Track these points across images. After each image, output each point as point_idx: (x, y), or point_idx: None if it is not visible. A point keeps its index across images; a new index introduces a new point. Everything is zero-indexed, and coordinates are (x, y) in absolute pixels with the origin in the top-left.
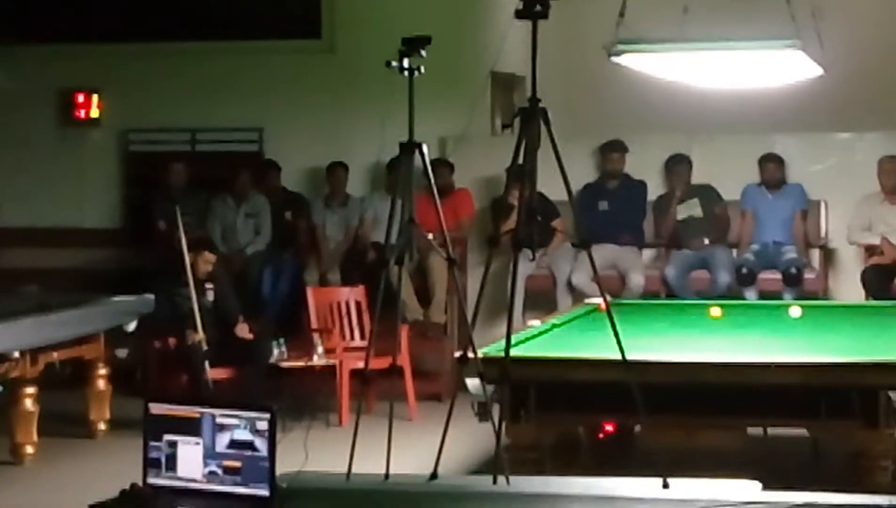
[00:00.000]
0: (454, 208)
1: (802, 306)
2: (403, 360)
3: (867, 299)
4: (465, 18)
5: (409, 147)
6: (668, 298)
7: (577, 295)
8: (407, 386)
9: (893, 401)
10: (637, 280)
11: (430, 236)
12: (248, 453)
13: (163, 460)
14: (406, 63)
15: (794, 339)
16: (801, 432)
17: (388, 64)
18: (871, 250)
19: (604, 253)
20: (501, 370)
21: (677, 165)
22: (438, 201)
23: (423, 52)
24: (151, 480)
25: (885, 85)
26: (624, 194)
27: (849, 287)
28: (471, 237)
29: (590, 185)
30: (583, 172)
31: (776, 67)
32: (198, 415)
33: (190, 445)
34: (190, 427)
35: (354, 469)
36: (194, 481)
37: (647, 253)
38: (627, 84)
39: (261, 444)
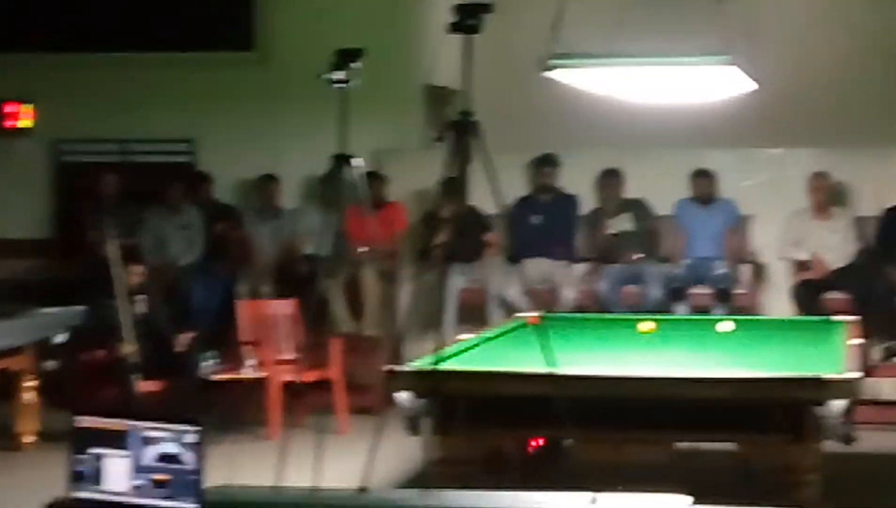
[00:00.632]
0: (387, 221)
1: (733, 321)
2: (335, 373)
3: (797, 314)
4: (400, 31)
5: (341, 160)
6: (600, 312)
7: (510, 309)
8: (338, 399)
9: (820, 416)
10: (569, 294)
11: (363, 249)
12: (176, 466)
13: (89, 473)
14: (338, 75)
15: (724, 354)
16: (731, 446)
17: (320, 76)
18: (800, 266)
19: (536, 267)
20: (431, 384)
21: (609, 180)
22: (371, 215)
23: (355, 65)
24: (77, 494)
25: (815, 101)
26: (556, 208)
27: (779, 302)
28: (404, 251)
29: (522, 199)
30: (515, 186)
31: (708, 83)
32: (125, 428)
33: (117, 458)
34: (117, 441)
35: (284, 483)
36: (121, 494)
37: (579, 267)
38: (560, 98)
39: (189, 458)
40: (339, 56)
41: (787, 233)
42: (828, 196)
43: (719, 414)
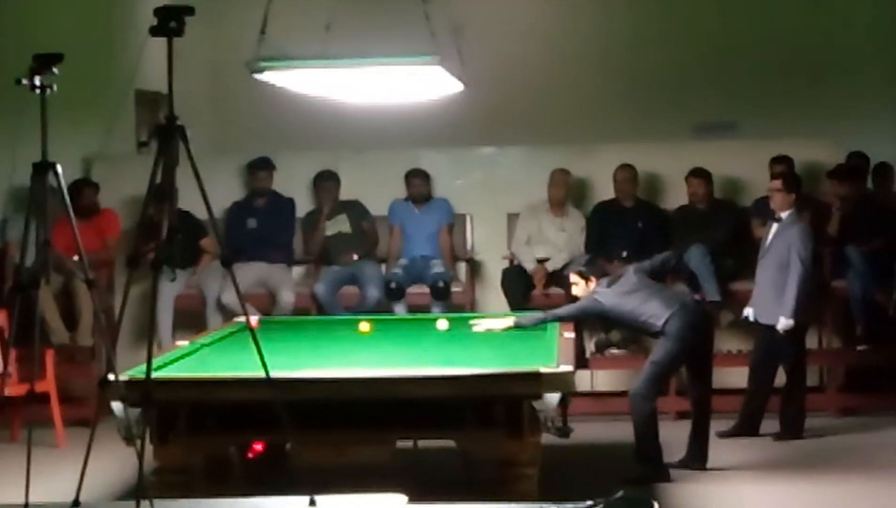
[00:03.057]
0: (99, 228)
1: (449, 319)
2: (49, 385)
3: (510, 310)
4: (106, 36)
5: (43, 167)
6: (319, 314)
7: (228, 314)
8: (54, 412)
9: (537, 410)
10: (287, 297)
11: (74, 258)
12: None
13: None
14: (38, 81)
15: (442, 352)
16: (451, 443)
17: (19, 81)
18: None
19: (253, 271)
20: (144, 392)
21: (325, 182)
22: (75, 222)
23: (56, 70)
24: None
25: (524, 100)
26: (272, 212)
27: (494, 299)
28: (118, 258)
29: (238, 203)
30: (231, 190)
31: (417, 83)
32: None
33: None
34: None
35: None
36: None
37: (297, 270)
38: (274, 101)
39: None
40: (38, 61)
41: (520, 230)
42: (567, 193)
43: (439, 412)
